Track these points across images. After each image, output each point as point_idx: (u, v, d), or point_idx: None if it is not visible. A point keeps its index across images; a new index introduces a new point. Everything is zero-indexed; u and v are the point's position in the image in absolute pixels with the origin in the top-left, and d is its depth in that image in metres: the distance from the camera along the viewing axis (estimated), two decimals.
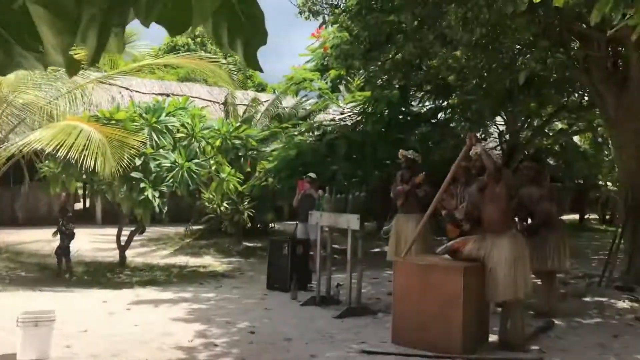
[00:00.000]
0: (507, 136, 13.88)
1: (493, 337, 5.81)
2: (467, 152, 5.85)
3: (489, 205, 5.56)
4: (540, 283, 7.20)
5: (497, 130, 15.16)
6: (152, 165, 8.54)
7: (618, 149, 9.14)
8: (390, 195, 8.34)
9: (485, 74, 9.60)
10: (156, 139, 8.79)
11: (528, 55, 7.19)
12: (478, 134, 12.90)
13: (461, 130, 12.28)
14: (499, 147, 15.17)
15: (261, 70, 1.24)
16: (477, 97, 10.38)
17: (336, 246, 12.46)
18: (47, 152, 8.35)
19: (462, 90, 11.46)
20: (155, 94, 16.00)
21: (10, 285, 8.00)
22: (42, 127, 9.16)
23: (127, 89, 16.07)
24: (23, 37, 0.71)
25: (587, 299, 8.02)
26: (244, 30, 1.16)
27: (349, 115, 13.78)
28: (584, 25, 7.86)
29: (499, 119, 14.35)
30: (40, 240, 11.57)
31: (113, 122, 8.78)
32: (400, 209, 8.02)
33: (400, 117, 12.31)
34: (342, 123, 12.80)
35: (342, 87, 13.93)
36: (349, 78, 12.81)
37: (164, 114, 9.03)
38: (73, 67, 0.78)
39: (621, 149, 9.06)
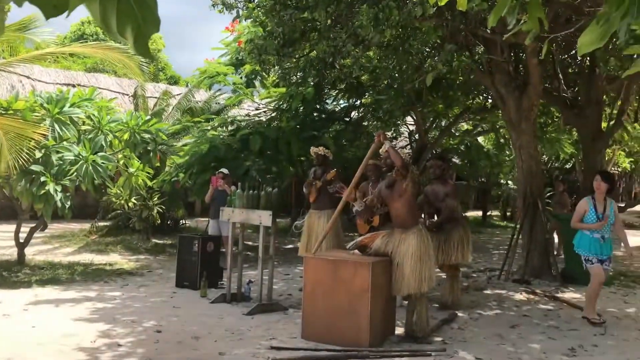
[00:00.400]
0: (417, 136, 14.35)
1: (399, 330, 5.99)
2: (376, 150, 5.99)
3: (397, 201, 5.72)
4: (445, 277, 7.50)
5: (408, 130, 15.66)
6: (54, 158, 8.11)
7: (518, 149, 9.67)
8: (303, 191, 8.41)
9: (396, 75, 9.87)
10: (59, 131, 8.35)
11: (436, 58, 7.44)
12: (389, 133, 13.27)
13: (373, 129, 12.55)
14: (409, 146, 15.66)
15: (152, 58, 1.20)
16: (388, 97, 10.64)
17: (249, 243, 12.41)
18: None
19: (375, 90, 11.74)
20: (60, 84, 15.23)
21: None
22: None
23: (28, 77, 15.18)
24: None
25: (488, 292, 8.44)
26: (134, 17, 1.12)
27: (264, 111, 13.73)
28: (488, 30, 8.24)
29: (409, 119, 14.80)
30: None
31: (11, 112, 8.25)
32: (313, 205, 8.10)
33: (315, 114, 12.41)
34: (257, 119, 12.73)
35: (257, 83, 13.86)
36: (264, 74, 12.75)
37: (67, 105, 8.59)
38: None
39: (521, 149, 9.59)
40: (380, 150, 5.94)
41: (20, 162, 7.68)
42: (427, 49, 9.62)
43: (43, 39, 9.72)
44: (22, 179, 7.99)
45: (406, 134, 16.01)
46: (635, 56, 2.87)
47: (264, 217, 6.88)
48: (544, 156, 19.62)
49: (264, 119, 12.49)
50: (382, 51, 9.50)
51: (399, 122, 13.67)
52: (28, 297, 7.13)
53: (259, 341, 5.49)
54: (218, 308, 6.93)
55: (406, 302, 6.16)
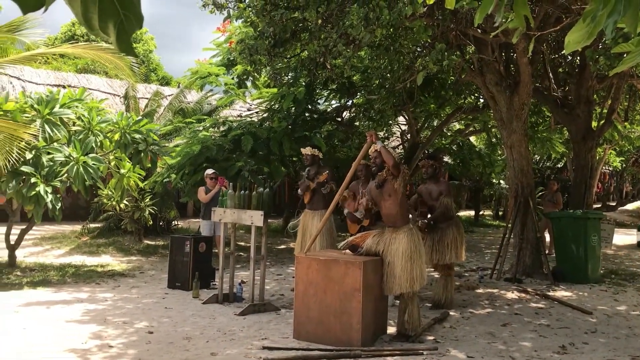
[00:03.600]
0: (409, 135, 14.37)
1: (391, 329, 6.00)
2: (367, 150, 5.99)
3: (387, 200, 5.73)
4: (438, 276, 7.52)
5: (400, 130, 15.68)
6: (44, 159, 8.07)
7: (509, 148, 9.71)
8: (297, 191, 8.42)
9: (388, 75, 9.87)
10: (49, 132, 8.29)
11: (427, 57, 7.45)
12: (381, 133, 13.29)
13: (365, 129, 12.56)
14: (400, 146, 15.70)
15: (135, 55, 1.20)
16: (379, 96, 10.65)
17: (241, 243, 12.39)
18: None
19: (366, 90, 11.75)
20: (51, 85, 15.14)
21: None
22: None
23: (18, 78, 15.10)
24: None
25: (480, 291, 8.47)
26: (116, 13, 1.11)
27: (256, 112, 13.71)
28: (478, 30, 8.27)
29: (401, 119, 14.82)
30: None
31: (1, 113, 8.20)
32: (307, 205, 8.11)
33: (306, 114, 12.41)
34: (249, 119, 12.70)
35: (248, 83, 13.83)
36: (255, 74, 12.72)
37: (58, 106, 8.54)
38: None
39: (512, 148, 9.63)
40: (371, 150, 5.95)
41: (11, 163, 7.63)
42: (418, 49, 9.63)
43: (33, 40, 9.67)
44: (12, 180, 7.93)
45: (398, 134, 16.03)
46: (625, 55, 2.88)
47: (255, 218, 6.88)
48: (535, 155, 19.72)
49: (256, 120, 12.47)
50: (373, 51, 9.52)
51: (390, 121, 13.69)
52: (19, 299, 7.09)
53: (251, 341, 5.49)
54: (210, 309, 6.92)
55: (398, 301, 6.17)
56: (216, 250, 9.07)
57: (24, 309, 6.62)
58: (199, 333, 5.77)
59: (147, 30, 27.29)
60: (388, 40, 8.34)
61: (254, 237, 7.00)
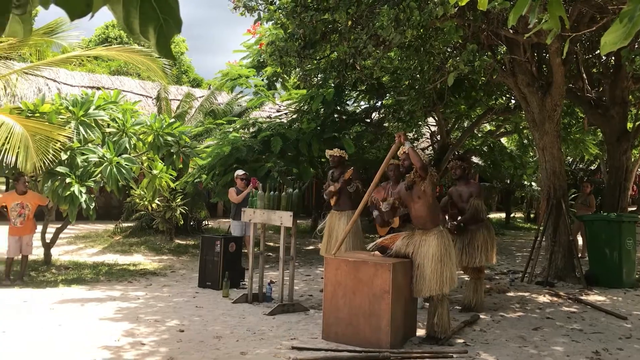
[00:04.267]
0: (438, 137, 14.26)
1: (421, 332, 5.97)
2: (396, 151, 5.98)
3: (417, 202, 5.71)
4: (468, 279, 7.45)
5: (429, 131, 15.58)
6: (79, 159, 8.25)
7: (541, 150, 9.57)
8: (324, 196, 8.42)
9: (418, 75, 9.83)
10: (84, 133, 8.48)
11: (457, 58, 7.40)
12: (410, 134, 13.22)
13: (394, 130, 12.51)
14: (430, 147, 15.59)
15: (174, 59, 1.23)
16: (409, 97, 10.60)
17: (270, 243, 12.46)
18: None
19: (395, 91, 11.71)
20: (85, 86, 15.46)
21: None
22: None
23: (54, 80, 15.45)
24: None
25: (511, 294, 8.36)
26: (156, 18, 1.14)
27: (285, 113, 13.78)
28: (510, 30, 8.17)
29: (430, 120, 14.73)
30: None
31: (37, 114, 8.43)
32: (333, 206, 8.12)
33: (335, 115, 12.42)
34: (278, 120, 12.78)
35: (278, 85, 13.92)
36: (284, 76, 12.81)
37: (92, 108, 8.73)
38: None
39: (544, 150, 9.48)
40: (399, 152, 5.93)
41: (47, 164, 7.83)
42: (449, 49, 9.56)
43: (69, 42, 9.91)
44: (48, 180, 8.13)
45: (428, 135, 15.93)
46: None
47: (284, 218, 6.92)
48: (568, 157, 19.38)
49: (285, 121, 12.54)
50: (403, 52, 9.47)
51: (420, 122, 13.60)
52: (55, 297, 7.27)
53: (280, 341, 5.52)
54: (240, 308, 6.98)
55: (427, 304, 6.14)
56: (246, 250, 9.15)
57: (59, 306, 6.78)
58: (229, 332, 5.83)
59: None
60: (418, 41, 8.31)
61: (283, 237, 7.05)
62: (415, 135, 14.09)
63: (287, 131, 11.18)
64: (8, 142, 7.59)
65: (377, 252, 5.96)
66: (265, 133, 11.12)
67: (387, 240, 5.92)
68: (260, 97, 13.05)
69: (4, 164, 7.91)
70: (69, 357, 4.84)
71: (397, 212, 6.32)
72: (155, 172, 9.48)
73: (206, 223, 14.51)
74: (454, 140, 13.87)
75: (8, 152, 7.54)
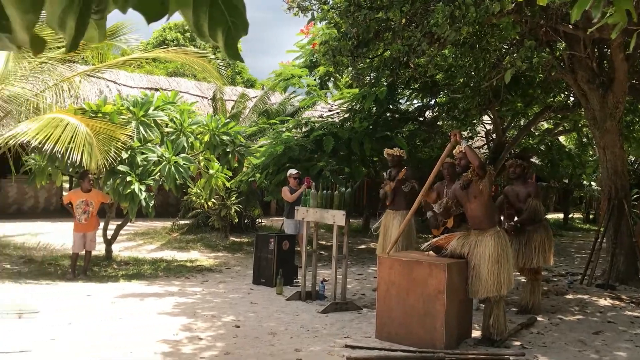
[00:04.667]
0: (494, 135, 13.98)
1: (476, 333, 5.89)
2: (451, 149, 5.91)
3: (473, 202, 5.62)
4: (524, 280, 7.29)
5: (484, 129, 15.29)
6: (138, 159, 8.52)
7: (602, 149, 9.25)
8: (378, 192, 8.40)
9: (473, 73, 9.67)
10: (144, 133, 8.76)
11: (514, 55, 7.25)
12: (465, 133, 13.02)
13: (448, 129, 12.35)
14: (485, 146, 15.30)
15: (242, 61, 1.27)
16: (464, 95, 10.45)
17: (322, 242, 12.52)
18: (32, 145, 8.30)
19: (449, 89, 11.55)
20: (144, 88, 15.92)
21: None
22: (28, 120, 9.11)
23: (115, 82, 15.98)
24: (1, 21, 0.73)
25: (569, 296, 8.13)
26: (225, 22, 1.18)
27: (337, 112, 13.81)
28: (570, 26, 7.94)
29: (485, 118, 14.45)
30: (26, 233, 11.52)
31: (100, 115, 8.76)
32: (389, 206, 8.09)
33: (388, 114, 12.36)
34: (330, 120, 12.82)
35: (330, 84, 13.95)
36: (337, 75, 12.82)
37: (152, 108, 9.00)
38: (38, 46, 0.80)
39: (605, 149, 9.17)
40: (455, 150, 5.86)
41: (109, 162, 8.13)
42: (505, 46, 9.37)
43: (128, 45, 10.24)
44: (109, 179, 8.44)
45: (482, 134, 15.63)
46: None
47: (337, 217, 6.95)
48: (631, 156, 18.63)
49: (337, 120, 12.57)
50: (457, 49, 9.34)
51: (475, 121, 13.39)
52: (116, 291, 7.53)
53: (334, 339, 5.55)
54: (293, 305, 7.06)
55: (483, 305, 6.04)
56: (299, 249, 9.24)
57: (120, 300, 7.03)
58: (283, 329, 5.90)
59: None
60: (473, 37, 8.18)
61: (336, 236, 7.08)
62: (470, 134, 13.86)
63: (339, 130, 11.20)
64: (73, 142, 7.92)
65: (431, 252, 5.91)
66: (317, 132, 11.18)
67: (441, 241, 5.86)
68: (313, 97, 13.12)
69: (70, 162, 8.24)
70: (130, 350, 5.01)
71: (451, 213, 6.24)
72: (211, 171, 9.69)
73: (260, 221, 14.72)
74: (510, 139, 13.57)
75: (73, 151, 7.87)
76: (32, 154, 9.17)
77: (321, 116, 14.98)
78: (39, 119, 8.81)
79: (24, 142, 8.58)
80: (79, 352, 4.91)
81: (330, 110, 15.54)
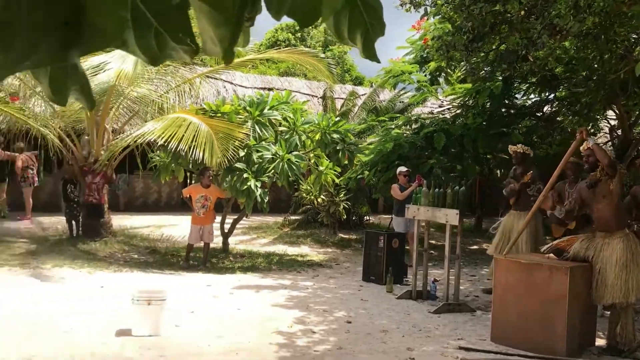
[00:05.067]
0: (619, 131, 13.04)
1: (600, 342, 5.55)
2: (577, 147, 5.59)
3: (601, 202, 5.29)
4: None
5: (608, 125, 14.30)
6: (254, 156, 8.85)
7: None
8: (502, 191, 8.12)
9: (596, 65, 9.09)
10: (259, 132, 9.09)
11: None
12: (587, 129, 12.24)
13: (569, 125, 11.69)
14: (609, 143, 14.31)
15: (378, 61, 1.28)
16: (587, 89, 9.84)
17: (432, 241, 12.33)
18: (159, 143, 8.88)
19: (571, 82, 10.92)
20: (258, 88, 16.48)
21: (125, 266, 8.61)
22: (154, 119, 9.77)
23: (231, 83, 16.68)
24: (177, 32, 0.79)
25: None
26: (363, 23, 1.20)
27: (448, 108, 13.51)
28: None
29: (610, 113, 13.51)
30: (151, 225, 12.34)
31: (219, 114, 9.20)
32: (513, 206, 7.81)
33: (503, 110, 11.92)
34: (441, 116, 12.58)
35: (441, 80, 13.68)
36: (448, 70, 12.54)
37: (267, 108, 9.32)
38: (228, 57, 0.86)
39: None
40: (582, 148, 5.53)
41: (227, 160, 8.52)
42: (634, 36, 8.72)
43: (244, 47, 10.63)
44: (227, 175, 8.84)
45: (606, 130, 14.63)
46: None
47: (450, 216, 6.81)
48: None
49: (448, 116, 12.30)
50: (580, 40, 8.82)
51: (598, 116, 12.56)
52: (233, 282, 7.88)
53: (447, 340, 5.46)
54: (404, 304, 7.02)
55: (608, 312, 5.68)
56: (408, 247, 9.16)
57: (237, 291, 7.35)
58: (394, 327, 5.89)
59: None
60: (598, 28, 7.68)
61: (448, 235, 6.95)
62: (593, 130, 13.02)
63: (451, 127, 10.96)
64: (195, 140, 8.39)
65: (551, 255, 5.64)
66: (428, 129, 11.01)
67: (563, 243, 5.58)
68: (423, 93, 12.94)
69: (192, 160, 8.72)
70: (247, 338, 5.23)
71: (575, 214, 5.92)
72: (321, 168, 9.86)
73: (367, 218, 14.75)
74: (637, 135, 12.59)
75: (195, 149, 8.34)
76: (157, 152, 9.82)
77: (431, 112, 14.72)
78: (163, 118, 9.43)
79: (151, 140, 9.21)
80: (202, 338, 5.20)
81: (440, 107, 15.23)
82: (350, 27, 1.18)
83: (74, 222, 10.23)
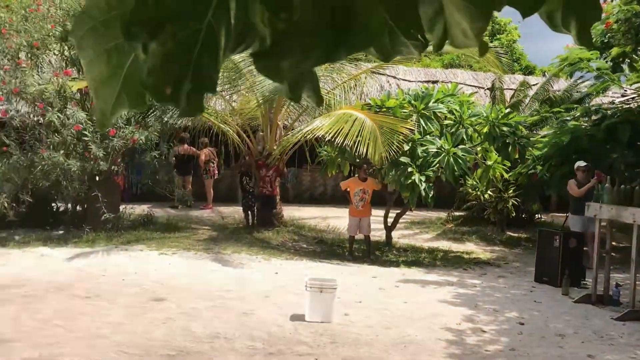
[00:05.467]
0: None
1: None
2: None
3: None
4: None
5: None
6: (419, 150, 8.81)
7: None
8: None
9: None
10: (424, 125, 9.02)
11: None
12: None
13: None
14: None
15: (592, 47, 1.22)
16: None
17: (614, 243, 11.33)
18: (327, 139, 9.20)
19: None
20: (421, 81, 16.32)
21: (295, 254, 9.06)
22: (321, 116, 10.14)
23: (394, 77, 16.72)
24: (409, 29, 0.82)
25: None
26: (577, 8, 1.15)
27: (633, 98, 12.28)
28: None
29: None
30: (317, 216, 12.83)
31: (384, 109, 9.29)
32: None
33: None
34: (625, 106, 11.47)
35: (624, 67, 12.47)
36: (634, 56, 11.38)
37: (432, 101, 9.22)
38: (484, 49, 0.88)
39: None
40: None
41: (391, 154, 8.57)
42: None
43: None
44: (392, 170, 8.89)
45: None
46: None
47: (637, 215, 6.20)
48: None
49: (633, 107, 11.18)
50: None
51: None
52: (397, 276, 7.93)
53: (635, 350, 5.01)
54: (582, 308, 6.55)
55: None
56: (586, 248, 8.51)
57: (402, 285, 7.38)
58: (572, 332, 5.53)
59: (511, 20, 27.03)
60: None
61: (636, 237, 6.33)
62: None
63: (638, 118, 9.96)
64: (360, 135, 8.56)
65: None
66: (610, 120, 10.11)
67: None
68: (604, 82, 11.88)
69: (357, 154, 8.91)
70: (415, 332, 5.25)
71: None
72: (489, 162, 9.51)
73: (538, 216, 13.94)
74: None
75: (360, 144, 8.51)
76: (325, 147, 10.17)
77: (612, 102, 13.49)
78: (331, 114, 9.74)
79: (319, 135, 9.58)
80: (370, 328, 5.32)
81: (623, 96, 13.87)
82: (565, 14, 1.13)
83: (249, 212, 11.00)
